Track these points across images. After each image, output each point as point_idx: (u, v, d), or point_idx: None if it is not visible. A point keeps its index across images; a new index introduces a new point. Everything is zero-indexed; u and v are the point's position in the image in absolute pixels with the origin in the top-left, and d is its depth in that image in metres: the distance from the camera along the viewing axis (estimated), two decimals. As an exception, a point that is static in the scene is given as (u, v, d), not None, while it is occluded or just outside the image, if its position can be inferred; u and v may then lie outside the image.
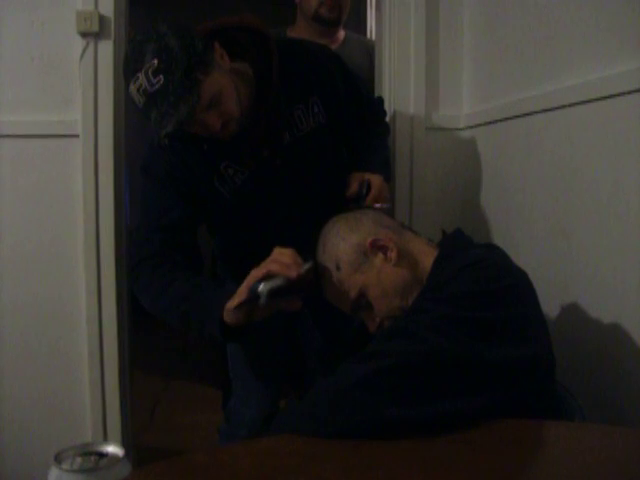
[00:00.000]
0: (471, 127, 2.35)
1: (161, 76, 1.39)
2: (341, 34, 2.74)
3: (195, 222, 1.67)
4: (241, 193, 1.67)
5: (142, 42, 1.42)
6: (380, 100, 2.09)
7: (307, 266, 1.35)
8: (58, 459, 0.71)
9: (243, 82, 1.56)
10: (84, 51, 2.20)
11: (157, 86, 1.39)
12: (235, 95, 1.52)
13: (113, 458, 0.72)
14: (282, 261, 1.32)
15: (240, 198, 1.68)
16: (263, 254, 1.35)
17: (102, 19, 2.19)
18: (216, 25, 1.60)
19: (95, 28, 2.18)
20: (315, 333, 1.96)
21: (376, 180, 1.75)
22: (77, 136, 2.23)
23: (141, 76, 1.40)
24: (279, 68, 1.60)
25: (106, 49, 2.21)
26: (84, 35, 2.19)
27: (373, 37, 2.58)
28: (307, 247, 1.44)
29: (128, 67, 1.44)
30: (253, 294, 1.29)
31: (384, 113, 2.06)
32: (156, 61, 1.38)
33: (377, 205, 1.69)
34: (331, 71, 1.74)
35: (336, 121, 1.74)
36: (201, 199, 1.65)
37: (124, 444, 2.33)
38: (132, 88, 1.43)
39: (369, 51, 2.75)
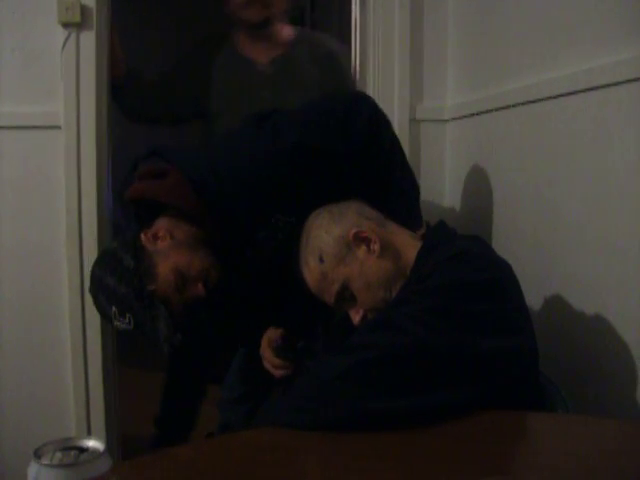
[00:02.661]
0: (456, 119, 2.35)
1: (127, 314, 1.48)
2: (287, 34, 2.48)
3: None
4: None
5: (95, 296, 1.53)
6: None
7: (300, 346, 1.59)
8: (38, 454, 0.70)
9: (193, 241, 1.57)
10: (66, 42, 2.17)
11: (131, 324, 1.49)
12: (193, 256, 1.54)
13: (93, 453, 0.71)
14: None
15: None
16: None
17: (84, 9, 2.15)
18: (138, 196, 1.60)
19: (77, 18, 2.15)
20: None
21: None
22: (59, 127, 2.20)
23: (117, 323, 1.50)
24: (217, 222, 1.58)
25: (88, 40, 2.18)
26: (66, 25, 2.16)
27: (358, 30, 2.56)
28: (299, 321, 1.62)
29: (105, 319, 1.56)
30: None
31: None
32: (114, 307, 1.48)
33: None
34: (287, 179, 1.56)
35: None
36: None
37: (108, 438, 2.33)
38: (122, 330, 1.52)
39: (320, 57, 2.48)
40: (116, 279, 1.47)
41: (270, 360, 1.63)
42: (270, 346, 1.63)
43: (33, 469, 0.68)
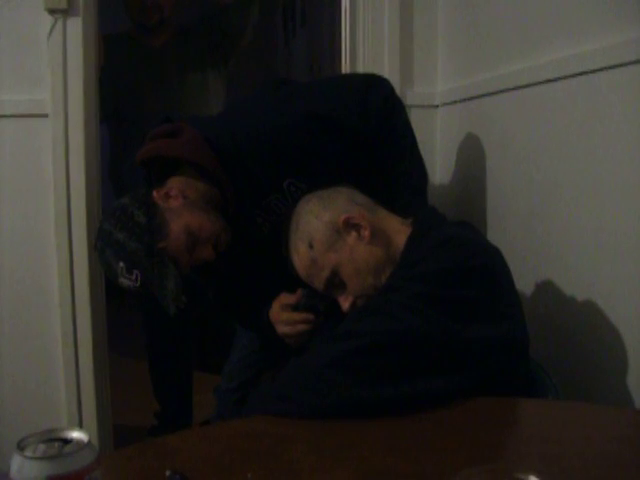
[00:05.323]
0: (446, 104, 2.34)
1: (134, 271, 1.44)
2: (172, 28, 2.84)
3: None
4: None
5: (102, 251, 1.48)
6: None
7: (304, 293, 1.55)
8: (21, 446, 0.69)
9: (205, 202, 1.54)
10: (52, 28, 2.14)
11: (138, 281, 1.44)
12: (205, 218, 1.51)
13: (78, 444, 0.70)
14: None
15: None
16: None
17: (70, -5, 2.14)
18: (150, 155, 1.57)
19: (63, 5, 2.12)
20: None
21: None
22: (46, 115, 2.18)
23: (122, 280, 1.46)
24: (232, 180, 1.56)
25: (75, 26, 2.16)
26: (52, 12, 2.13)
27: (348, 16, 2.54)
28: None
29: (110, 276, 1.49)
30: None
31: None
32: (121, 263, 1.44)
33: None
34: (299, 145, 1.57)
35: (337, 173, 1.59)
36: None
37: (100, 429, 2.32)
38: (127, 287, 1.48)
39: None
40: (126, 234, 1.43)
41: (289, 318, 1.58)
42: (288, 306, 1.58)
43: (16, 461, 0.67)
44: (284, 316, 1.59)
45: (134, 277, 1.44)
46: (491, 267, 1.26)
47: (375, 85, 1.67)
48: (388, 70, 2.34)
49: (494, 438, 1.04)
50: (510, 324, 1.22)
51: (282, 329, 1.60)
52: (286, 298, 1.60)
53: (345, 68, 2.50)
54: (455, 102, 2.27)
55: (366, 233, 1.37)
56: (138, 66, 2.75)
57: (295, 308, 1.57)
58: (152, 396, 2.94)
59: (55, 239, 2.23)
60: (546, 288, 1.68)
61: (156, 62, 2.74)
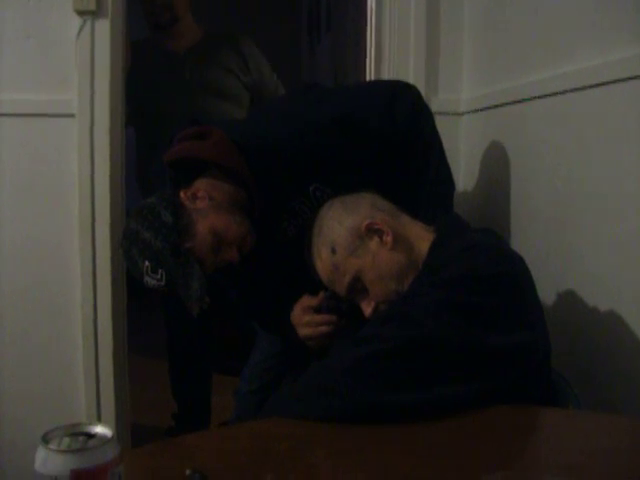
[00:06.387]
0: (471, 112, 2.33)
1: (159, 270, 1.45)
2: (193, 32, 2.86)
3: None
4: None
5: (128, 250, 1.48)
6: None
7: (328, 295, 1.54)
8: (45, 439, 0.70)
9: (232, 204, 1.54)
10: (81, 29, 2.16)
11: (163, 280, 1.45)
12: (231, 220, 1.51)
13: (102, 439, 0.71)
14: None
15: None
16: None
17: (99, -3, 2.16)
18: (178, 156, 1.57)
19: (92, 6, 2.15)
20: None
21: None
22: (73, 115, 2.20)
23: (147, 278, 1.46)
24: (258, 183, 1.55)
25: (103, 27, 2.18)
26: (81, 13, 2.16)
27: (373, 22, 2.55)
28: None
29: (135, 274, 1.50)
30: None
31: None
32: (147, 262, 1.45)
33: None
34: (327, 149, 1.58)
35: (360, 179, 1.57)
36: None
37: (119, 426, 2.33)
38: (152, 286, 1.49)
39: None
40: (153, 233, 1.44)
41: (311, 320, 1.58)
42: (310, 308, 1.58)
43: (41, 454, 0.68)
44: (306, 318, 1.59)
45: (159, 276, 1.45)
46: (514, 275, 1.25)
47: (403, 91, 1.67)
48: (413, 77, 2.34)
49: (514, 446, 1.03)
50: (532, 332, 1.22)
51: (304, 331, 1.60)
52: (308, 300, 1.60)
53: (370, 74, 2.51)
54: (479, 110, 2.26)
55: (388, 239, 1.37)
56: (161, 70, 2.77)
57: (317, 310, 1.57)
58: (170, 396, 2.95)
59: (78, 240, 2.24)
60: (569, 297, 1.66)
61: (179, 67, 2.76)
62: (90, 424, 0.73)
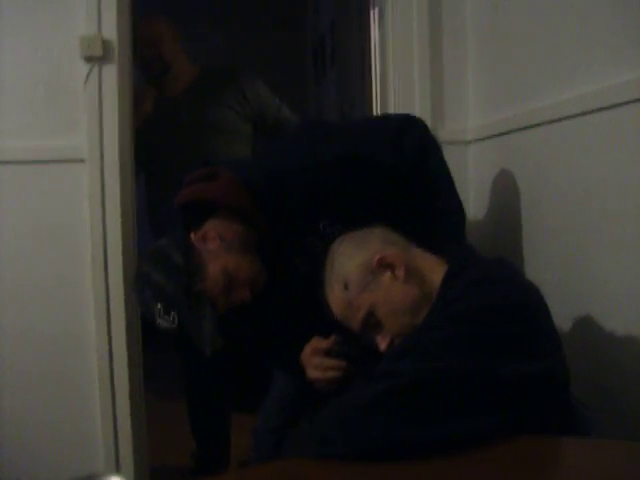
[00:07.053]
0: (478, 140, 2.34)
1: (172, 312, 1.45)
2: (188, 74, 2.86)
3: None
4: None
5: (140, 292, 1.50)
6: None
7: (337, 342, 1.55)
8: (61, 492, 0.69)
9: (242, 244, 1.54)
10: (88, 75, 2.20)
11: (175, 322, 1.46)
12: (242, 260, 1.52)
13: (118, 490, 0.70)
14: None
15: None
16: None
17: (105, 43, 2.20)
18: (188, 199, 1.58)
19: (99, 52, 2.19)
20: None
21: None
22: (83, 161, 2.23)
23: (160, 321, 1.47)
24: (268, 222, 1.57)
25: (110, 73, 2.22)
26: (88, 59, 2.20)
27: (377, 52, 2.57)
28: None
29: (148, 316, 1.51)
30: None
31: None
32: (159, 304, 1.45)
33: None
34: (336, 186, 1.57)
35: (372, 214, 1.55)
36: None
37: (137, 470, 2.32)
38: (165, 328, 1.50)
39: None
40: (164, 276, 1.45)
41: (320, 364, 1.57)
42: (320, 351, 1.58)
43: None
44: (316, 361, 1.58)
45: (171, 318, 1.45)
46: (529, 304, 1.24)
47: (410, 126, 1.68)
48: (419, 107, 2.35)
49: (536, 476, 1.02)
50: (549, 361, 1.20)
51: (312, 374, 1.59)
52: (319, 342, 1.59)
53: (376, 105, 2.52)
54: (486, 138, 2.27)
55: (400, 272, 1.36)
56: (160, 116, 2.77)
57: (327, 354, 1.56)
58: (188, 437, 2.93)
59: (92, 286, 2.25)
60: (587, 322, 1.65)
61: (177, 110, 2.77)
62: (105, 475, 0.72)
